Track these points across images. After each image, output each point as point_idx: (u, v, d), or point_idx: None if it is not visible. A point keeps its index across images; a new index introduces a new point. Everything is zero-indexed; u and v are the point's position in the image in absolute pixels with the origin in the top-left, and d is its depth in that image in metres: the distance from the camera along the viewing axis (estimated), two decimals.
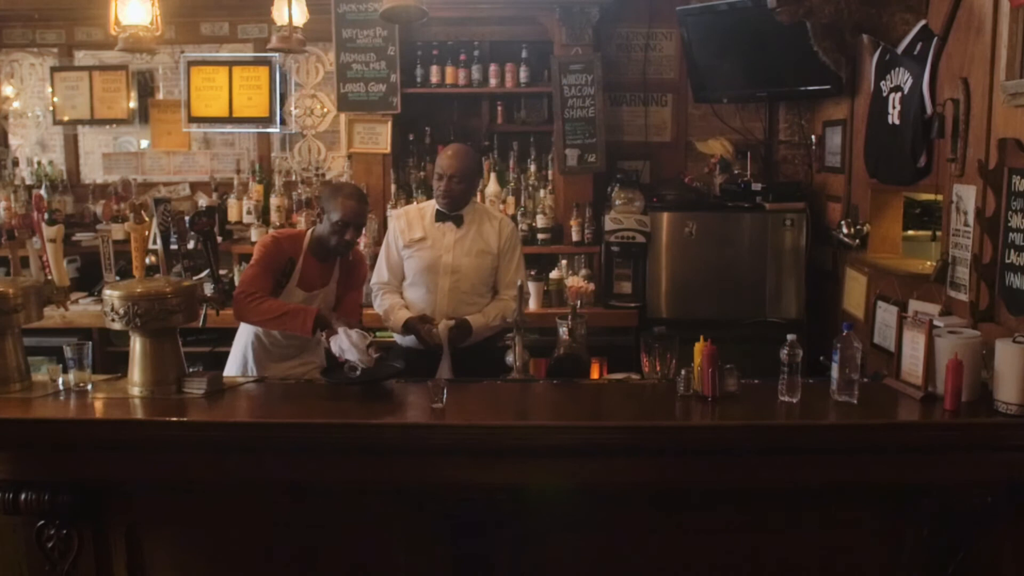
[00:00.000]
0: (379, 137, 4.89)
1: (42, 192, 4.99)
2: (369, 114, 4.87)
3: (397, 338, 3.55)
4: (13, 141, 5.39)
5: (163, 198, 3.31)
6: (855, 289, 4.12)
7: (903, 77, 3.51)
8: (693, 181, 4.91)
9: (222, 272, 3.73)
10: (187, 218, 2.97)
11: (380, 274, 3.55)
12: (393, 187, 4.90)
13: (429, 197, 4.68)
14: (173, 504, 2.48)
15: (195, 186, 5.26)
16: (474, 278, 3.46)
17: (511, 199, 4.88)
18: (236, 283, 4.57)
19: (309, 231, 3.29)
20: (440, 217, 3.47)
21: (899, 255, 4.07)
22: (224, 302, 2.95)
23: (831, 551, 2.45)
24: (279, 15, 3.87)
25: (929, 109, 3.31)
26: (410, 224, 3.50)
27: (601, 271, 4.76)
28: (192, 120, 5.18)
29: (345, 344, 2.76)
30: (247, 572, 2.54)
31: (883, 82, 3.70)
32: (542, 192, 4.88)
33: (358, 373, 2.74)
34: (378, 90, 4.84)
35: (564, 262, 4.83)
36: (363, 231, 3.39)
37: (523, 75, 4.88)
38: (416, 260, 3.46)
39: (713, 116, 5.05)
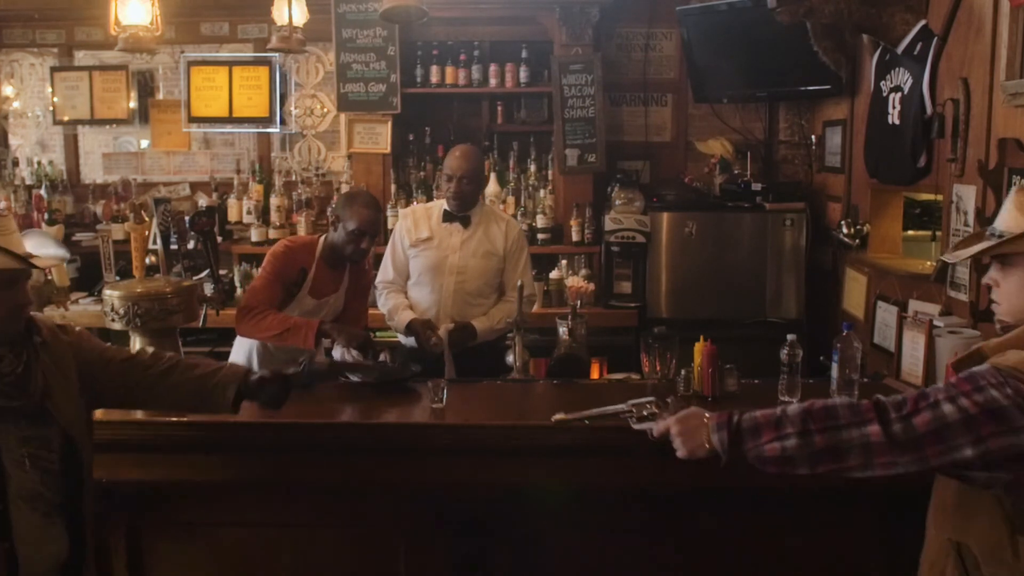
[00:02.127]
0: (379, 137, 4.89)
1: (42, 192, 5.00)
2: (369, 114, 4.86)
3: (401, 338, 3.55)
4: (13, 141, 5.38)
5: (163, 198, 3.32)
6: (855, 289, 4.12)
7: (903, 77, 3.51)
8: (693, 181, 4.91)
9: (222, 272, 3.75)
10: (187, 218, 2.98)
11: (385, 273, 3.53)
12: (393, 187, 4.90)
13: (429, 197, 4.70)
14: (173, 504, 2.48)
15: (195, 186, 5.25)
16: (479, 279, 3.45)
17: (511, 199, 4.87)
18: (236, 283, 4.60)
19: (321, 238, 3.27)
20: (447, 217, 3.46)
21: (899, 255, 4.07)
22: (224, 302, 2.96)
23: (831, 551, 2.45)
24: (279, 15, 3.87)
25: (929, 109, 3.31)
26: (417, 223, 3.50)
27: (601, 271, 4.76)
28: (192, 120, 5.18)
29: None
30: (247, 572, 2.54)
31: (883, 82, 3.71)
32: (542, 192, 4.88)
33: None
34: (378, 90, 4.84)
35: (564, 262, 4.83)
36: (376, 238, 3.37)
37: (523, 75, 4.87)
38: (422, 260, 3.46)
39: (713, 116, 5.04)
